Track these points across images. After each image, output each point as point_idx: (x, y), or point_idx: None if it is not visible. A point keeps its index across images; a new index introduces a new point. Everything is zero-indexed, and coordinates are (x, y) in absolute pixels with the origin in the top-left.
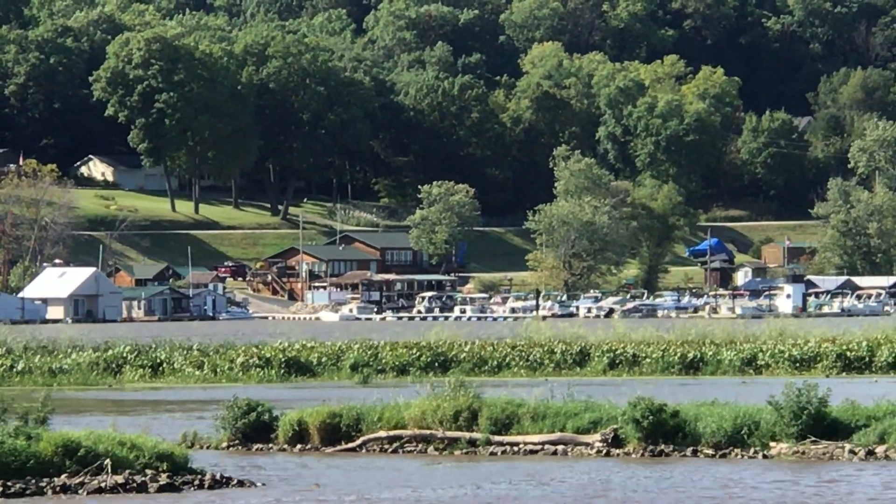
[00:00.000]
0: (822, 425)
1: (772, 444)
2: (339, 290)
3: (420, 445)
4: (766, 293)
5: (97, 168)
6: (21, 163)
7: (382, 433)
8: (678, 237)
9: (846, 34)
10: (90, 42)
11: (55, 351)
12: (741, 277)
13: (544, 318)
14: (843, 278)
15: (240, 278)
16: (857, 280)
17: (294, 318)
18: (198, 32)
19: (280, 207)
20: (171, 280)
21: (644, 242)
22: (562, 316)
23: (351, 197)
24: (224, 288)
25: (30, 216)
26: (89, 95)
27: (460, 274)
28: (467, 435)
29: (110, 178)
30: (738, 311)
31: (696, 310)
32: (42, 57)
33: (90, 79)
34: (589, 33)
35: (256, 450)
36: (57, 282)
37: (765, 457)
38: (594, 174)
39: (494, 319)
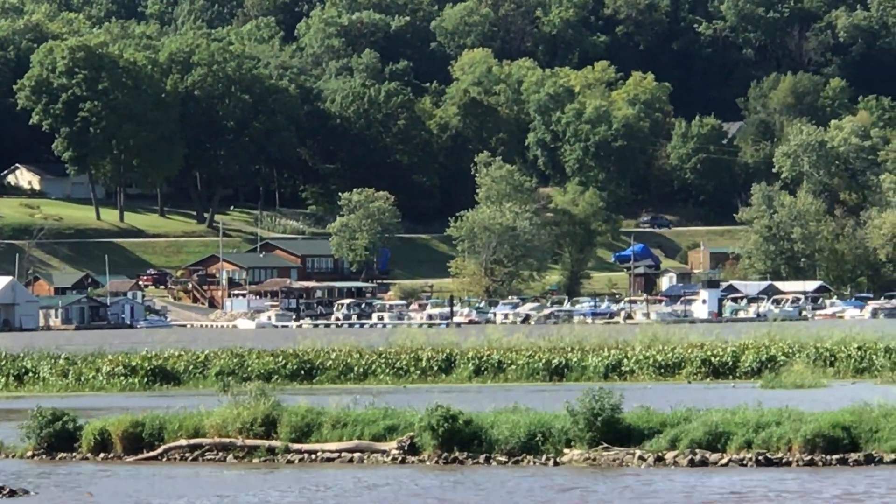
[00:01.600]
0: (615, 431)
1: (566, 450)
2: (258, 297)
3: (220, 454)
4: (683, 298)
5: (24, 177)
6: None
7: (183, 441)
8: (600, 243)
9: (779, 39)
10: (16, 51)
11: None
12: (665, 283)
13: (459, 324)
14: (765, 283)
15: (161, 286)
16: (780, 285)
17: (212, 326)
18: (123, 41)
19: (206, 215)
20: (89, 289)
21: (566, 248)
22: (478, 322)
23: (279, 204)
24: (143, 296)
25: None
26: (15, 104)
27: (382, 281)
28: (266, 443)
29: (37, 186)
30: (654, 316)
31: (612, 315)
32: None
33: (14, 87)
34: (521, 39)
35: (60, 458)
36: None
37: (556, 463)
38: (515, 180)
39: (417, 325)
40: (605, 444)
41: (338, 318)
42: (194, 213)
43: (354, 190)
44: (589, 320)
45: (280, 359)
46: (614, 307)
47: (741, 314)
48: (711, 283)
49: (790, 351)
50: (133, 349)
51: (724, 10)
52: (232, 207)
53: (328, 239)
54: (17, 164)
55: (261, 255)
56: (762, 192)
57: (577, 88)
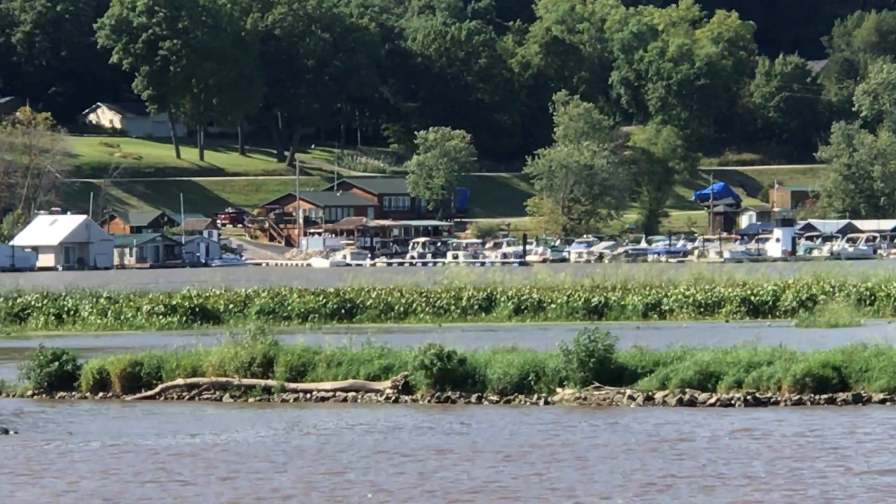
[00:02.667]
0: (608, 371)
1: (559, 389)
2: (334, 236)
3: (217, 393)
4: (758, 237)
5: (105, 115)
6: (19, 111)
7: (180, 381)
8: (679, 181)
9: None
10: None
11: None
12: (745, 221)
13: (528, 263)
14: (844, 222)
15: (239, 225)
16: (859, 224)
17: (286, 265)
18: None
19: (286, 154)
20: (165, 227)
21: (644, 187)
22: (553, 261)
23: (360, 143)
24: (219, 235)
25: (23, 164)
26: (95, 43)
27: (460, 219)
28: (262, 382)
29: (118, 125)
30: (727, 254)
31: (685, 254)
32: (49, 4)
33: (94, 26)
34: None
35: (59, 398)
36: (48, 229)
37: (547, 402)
38: (593, 119)
39: (482, 265)
40: (597, 384)
41: (412, 257)
42: (275, 151)
43: (430, 128)
44: (663, 259)
45: (321, 298)
46: (689, 245)
47: (815, 253)
48: (786, 222)
49: (830, 290)
50: (204, 287)
51: None
52: (313, 146)
53: (404, 178)
54: (98, 103)
55: (337, 194)
56: (842, 131)
57: (661, 27)
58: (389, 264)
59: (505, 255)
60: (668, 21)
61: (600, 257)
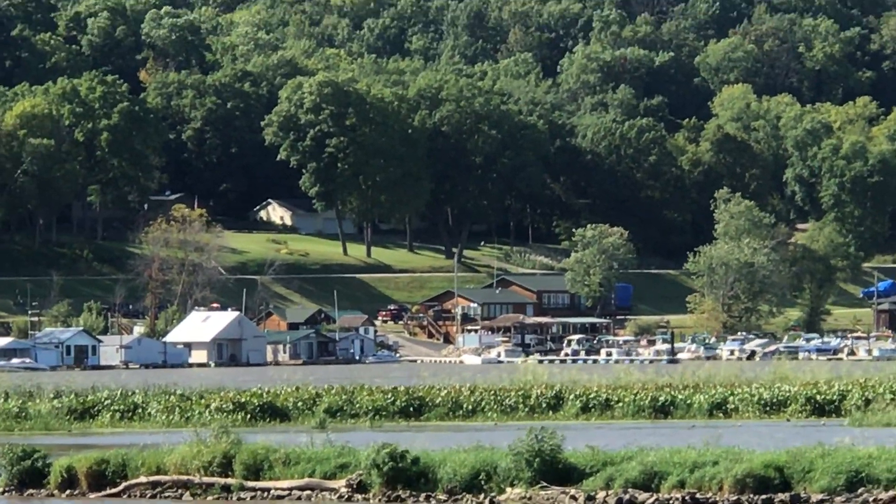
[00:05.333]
0: (557, 470)
1: (508, 489)
2: (490, 332)
3: (179, 491)
4: None
5: (276, 212)
6: (174, 208)
7: (143, 479)
8: (842, 278)
9: None
10: (269, 86)
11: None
12: None
13: (678, 360)
14: None
15: (400, 321)
16: None
17: (441, 362)
18: (373, 76)
19: (454, 250)
20: (322, 324)
21: (806, 284)
22: (706, 359)
23: (532, 240)
24: (375, 331)
25: (179, 260)
26: (265, 140)
27: (621, 316)
28: (222, 480)
29: (288, 222)
30: (876, 353)
31: (835, 352)
32: (219, 101)
33: (262, 123)
34: (784, 75)
35: (28, 495)
36: (201, 325)
37: (492, 502)
38: (754, 216)
39: (631, 362)
40: (544, 484)
41: (566, 354)
42: (443, 248)
43: (588, 225)
44: (813, 356)
45: (389, 395)
46: (839, 343)
47: None
48: None
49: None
50: (351, 383)
51: None
52: (483, 243)
53: (563, 275)
54: (269, 200)
55: (497, 291)
56: None
57: (837, 124)
58: (541, 361)
59: (657, 353)
60: (844, 118)
61: (752, 355)
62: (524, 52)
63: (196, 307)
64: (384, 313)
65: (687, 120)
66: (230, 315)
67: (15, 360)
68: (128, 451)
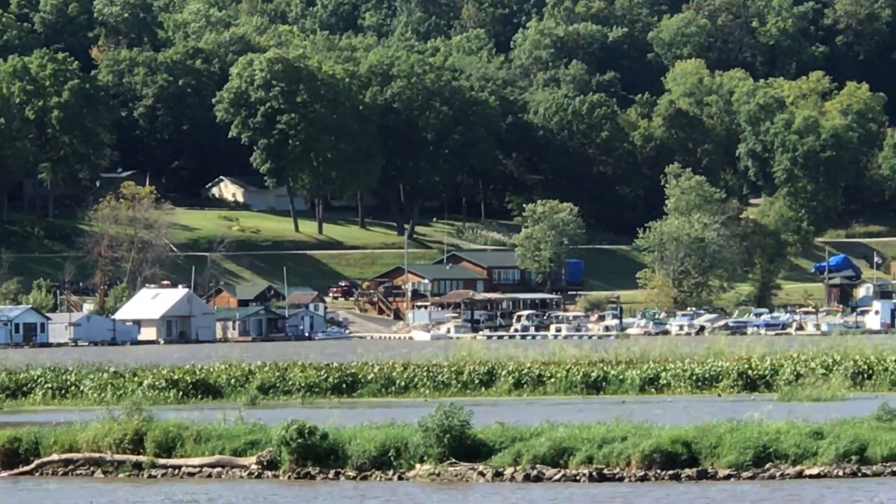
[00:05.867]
0: (466, 447)
1: (417, 465)
2: (440, 309)
3: (91, 468)
4: (860, 309)
5: (228, 189)
6: (123, 185)
7: (55, 456)
8: (792, 253)
9: None
10: (221, 64)
11: None
12: (862, 293)
13: (627, 336)
14: None
15: (350, 297)
16: None
17: (390, 338)
18: (324, 53)
19: (406, 227)
20: (272, 301)
21: (757, 260)
22: (655, 334)
23: (484, 216)
24: (325, 308)
25: (128, 237)
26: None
27: (571, 292)
28: (133, 458)
29: (241, 199)
30: (825, 327)
31: (784, 327)
32: (170, 79)
33: (213, 100)
34: (738, 50)
35: None
36: (150, 303)
37: (401, 478)
38: (705, 191)
39: (581, 338)
40: (453, 460)
41: (516, 330)
42: (395, 224)
43: (539, 201)
44: (762, 331)
45: (322, 372)
46: (789, 318)
47: None
48: (884, 294)
49: (830, 363)
50: (296, 360)
51: None
52: (434, 219)
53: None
54: (221, 177)
55: (447, 267)
56: None
57: (790, 99)
58: (490, 337)
59: (607, 328)
60: (797, 93)
61: (701, 330)
62: (477, 28)
63: (146, 284)
64: (335, 290)
65: (639, 95)
66: (180, 292)
67: None
68: (41, 429)
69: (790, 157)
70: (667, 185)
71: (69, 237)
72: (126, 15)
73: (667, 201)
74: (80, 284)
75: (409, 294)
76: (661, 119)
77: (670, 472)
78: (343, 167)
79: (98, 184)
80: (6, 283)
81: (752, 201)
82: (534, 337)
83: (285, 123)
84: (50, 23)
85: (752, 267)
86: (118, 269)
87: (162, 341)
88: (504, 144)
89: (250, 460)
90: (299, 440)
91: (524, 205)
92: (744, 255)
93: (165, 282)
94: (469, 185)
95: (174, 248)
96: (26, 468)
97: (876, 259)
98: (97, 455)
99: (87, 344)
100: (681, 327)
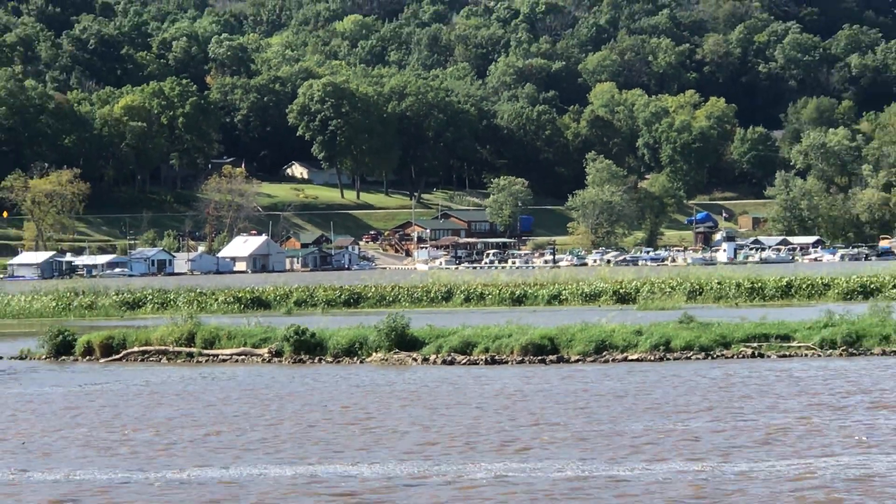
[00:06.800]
0: (406, 341)
1: (374, 353)
2: (436, 249)
3: (160, 357)
4: (713, 248)
5: (297, 170)
6: (224, 167)
7: (136, 348)
8: (671, 211)
9: (812, 74)
10: (292, 86)
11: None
12: (718, 237)
13: (559, 266)
14: (781, 237)
15: (377, 242)
16: (792, 239)
17: (400, 268)
18: (362, 79)
19: (416, 195)
20: (323, 244)
21: (647, 215)
22: (577, 265)
23: (468, 187)
24: (359, 248)
25: (227, 203)
26: (287, 121)
27: (524, 237)
28: (186, 349)
29: (305, 176)
30: (689, 260)
31: (663, 260)
32: (258, 96)
33: (287, 110)
34: (638, 76)
35: (61, 360)
36: (242, 246)
37: (362, 362)
38: (613, 170)
39: (533, 268)
40: (397, 350)
41: (485, 263)
42: (408, 193)
43: (503, 178)
44: (649, 263)
45: (337, 292)
46: (666, 254)
47: (750, 259)
48: (730, 238)
49: (675, 284)
50: (331, 282)
51: (777, 55)
52: (434, 189)
53: (484, 210)
54: (292, 162)
55: (441, 221)
56: (782, 177)
57: (673, 108)
58: (467, 267)
59: (546, 262)
60: (677, 105)
61: (608, 262)
62: (464, 62)
63: (239, 234)
64: (366, 237)
65: (572, 106)
66: (261, 238)
67: (116, 270)
68: (127, 329)
69: (672, 147)
70: (587, 167)
71: (189, 202)
72: (229, 53)
73: (587, 177)
74: (196, 234)
75: (415, 239)
76: (586, 122)
77: (539, 357)
78: (373, 155)
79: (209, 167)
80: (146, 233)
81: (647, 177)
82: (497, 267)
83: (334, 126)
84: (178, 59)
85: (644, 220)
86: (221, 224)
87: (249, 272)
88: (480, 140)
89: (263, 351)
90: (295, 337)
91: (493, 180)
92: (638, 213)
93: (253, 232)
94: (457, 166)
95: (259, 209)
96: (117, 356)
97: (724, 215)
98: (163, 348)
99: (199, 274)
100: (595, 261)
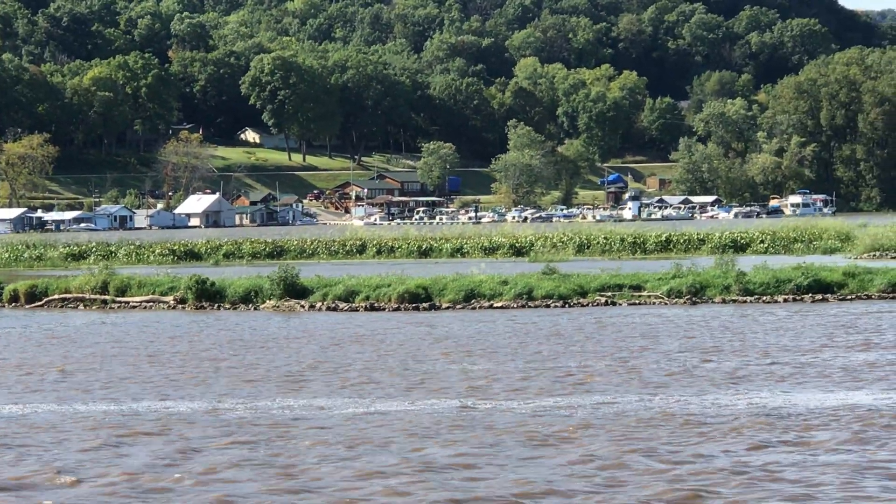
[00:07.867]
0: (296, 290)
1: (267, 301)
2: (372, 206)
3: (77, 304)
4: (620, 206)
5: (249, 135)
6: (181, 132)
7: (56, 296)
8: (584, 174)
9: (716, 50)
10: (246, 60)
11: (50, 247)
12: (627, 197)
13: (481, 222)
14: (683, 197)
15: (318, 200)
16: (694, 198)
17: (339, 224)
18: (309, 53)
19: (356, 157)
20: (270, 201)
21: (563, 177)
22: (497, 222)
23: (404, 151)
24: (302, 206)
25: (182, 164)
26: (240, 91)
27: (451, 196)
28: (101, 297)
29: (257, 141)
30: (598, 217)
31: (573, 217)
32: (215, 68)
33: (240, 82)
34: (559, 52)
35: None
36: (196, 203)
37: (257, 308)
38: (532, 136)
39: (461, 223)
40: (287, 298)
41: (416, 219)
42: (349, 156)
43: (433, 142)
44: (562, 220)
45: (262, 245)
46: (578, 212)
47: (653, 216)
48: (634, 197)
49: (566, 238)
50: (273, 237)
51: (684, 33)
52: (373, 153)
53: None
54: (245, 127)
55: (377, 181)
56: (685, 142)
57: (590, 81)
58: (398, 223)
59: (470, 218)
60: (593, 77)
61: (525, 219)
62: (402, 38)
63: (194, 192)
64: (310, 195)
65: (498, 79)
66: (214, 196)
67: (82, 225)
68: (49, 279)
69: (588, 116)
70: (509, 133)
71: (150, 164)
72: (190, 30)
73: (509, 142)
74: (155, 192)
75: (353, 198)
76: (511, 93)
77: (413, 305)
78: (318, 122)
79: (170, 132)
80: (110, 192)
81: (566, 142)
82: (427, 223)
83: (283, 96)
84: (143, 35)
85: (561, 181)
86: (178, 183)
87: (203, 227)
88: (415, 108)
89: (169, 298)
90: (197, 286)
91: (425, 144)
92: (555, 175)
93: (207, 191)
94: (394, 132)
95: (214, 170)
96: (39, 303)
97: (630, 177)
98: (81, 295)
99: (157, 228)
100: (514, 218)
